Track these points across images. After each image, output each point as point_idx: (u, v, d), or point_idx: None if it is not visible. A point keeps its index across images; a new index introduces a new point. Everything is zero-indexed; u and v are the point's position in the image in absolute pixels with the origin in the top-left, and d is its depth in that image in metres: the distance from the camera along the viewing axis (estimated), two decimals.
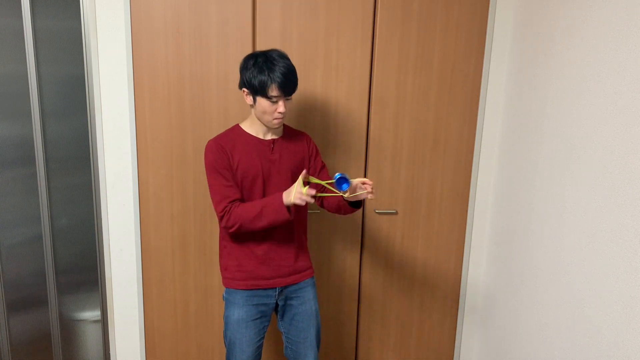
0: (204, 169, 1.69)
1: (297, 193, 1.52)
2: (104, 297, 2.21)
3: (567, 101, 1.68)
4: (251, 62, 1.59)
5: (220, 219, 1.64)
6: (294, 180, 1.70)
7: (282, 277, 1.74)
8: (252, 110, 1.68)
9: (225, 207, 1.62)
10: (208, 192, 2.12)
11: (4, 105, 1.98)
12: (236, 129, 1.72)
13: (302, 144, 1.78)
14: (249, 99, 1.64)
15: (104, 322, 2.24)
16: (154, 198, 2.12)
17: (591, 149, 1.54)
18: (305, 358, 1.80)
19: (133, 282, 2.20)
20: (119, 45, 1.99)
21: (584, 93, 1.59)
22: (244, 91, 1.65)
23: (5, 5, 1.91)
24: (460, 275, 2.38)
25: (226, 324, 1.76)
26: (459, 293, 2.40)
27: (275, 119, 1.62)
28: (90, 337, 2.27)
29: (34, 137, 2.02)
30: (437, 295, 2.39)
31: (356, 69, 2.10)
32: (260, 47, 2.03)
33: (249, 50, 2.02)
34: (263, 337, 1.79)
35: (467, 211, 2.31)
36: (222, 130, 2.06)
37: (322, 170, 1.81)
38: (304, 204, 1.53)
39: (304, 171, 1.58)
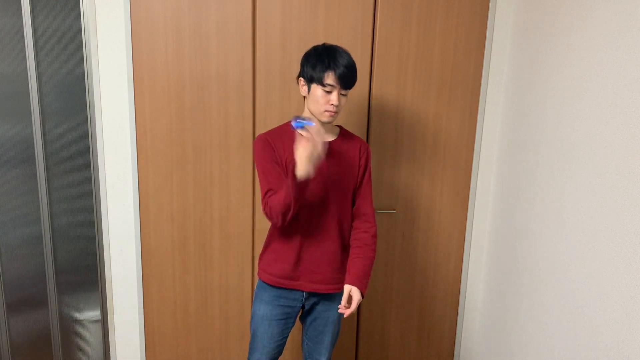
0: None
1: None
2: (104, 297, 2.21)
3: (567, 101, 1.68)
4: (313, 51, 1.58)
5: (263, 209, 1.59)
6: (337, 189, 1.64)
7: (311, 282, 1.68)
8: (306, 103, 1.62)
9: (265, 195, 1.57)
10: (208, 192, 2.14)
11: (4, 105, 1.98)
12: (287, 125, 1.66)
13: (355, 152, 1.68)
14: (304, 89, 1.59)
15: (104, 322, 2.24)
16: (154, 198, 2.12)
17: (591, 149, 1.54)
18: (319, 356, 1.81)
19: (133, 282, 2.20)
20: (119, 45, 1.99)
21: (584, 93, 1.59)
22: (300, 81, 1.60)
23: (5, 5, 1.90)
24: (460, 274, 2.38)
25: (252, 315, 1.76)
26: (459, 292, 2.40)
27: (327, 110, 1.55)
28: (90, 337, 2.27)
29: (34, 137, 2.02)
30: (437, 294, 2.39)
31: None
32: (260, 47, 2.03)
33: (249, 50, 2.02)
34: (287, 336, 1.77)
35: (467, 211, 2.31)
36: (222, 130, 2.08)
37: (361, 188, 1.71)
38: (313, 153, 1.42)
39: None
